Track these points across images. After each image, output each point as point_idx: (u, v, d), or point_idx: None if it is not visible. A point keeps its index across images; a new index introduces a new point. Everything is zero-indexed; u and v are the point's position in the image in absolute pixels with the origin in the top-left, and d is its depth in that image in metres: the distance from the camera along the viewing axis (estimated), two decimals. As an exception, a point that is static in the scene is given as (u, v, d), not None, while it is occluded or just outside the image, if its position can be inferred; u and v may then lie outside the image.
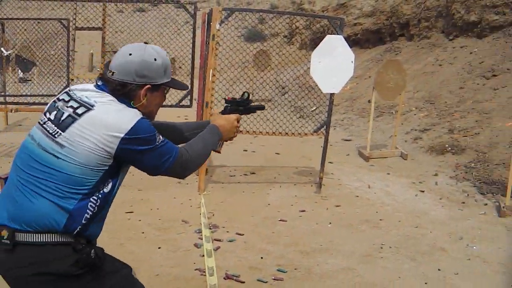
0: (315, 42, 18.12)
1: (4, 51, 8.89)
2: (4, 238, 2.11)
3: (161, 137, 2.25)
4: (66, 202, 2.12)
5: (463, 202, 6.49)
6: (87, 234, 2.19)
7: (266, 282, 4.23)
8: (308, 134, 7.08)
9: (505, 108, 8.70)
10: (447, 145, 8.30)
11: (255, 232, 5.34)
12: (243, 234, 5.24)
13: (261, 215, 5.87)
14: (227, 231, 5.32)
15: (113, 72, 2.26)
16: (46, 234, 2.12)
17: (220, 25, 6.34)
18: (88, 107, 2.18)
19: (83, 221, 2.16)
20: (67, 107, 2.24)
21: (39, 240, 2.12)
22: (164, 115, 8.15)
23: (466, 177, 7.21)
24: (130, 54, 2.27)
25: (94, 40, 20.39)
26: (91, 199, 2.17)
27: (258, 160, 8.50)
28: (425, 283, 4.31)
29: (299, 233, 5.37)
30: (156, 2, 7.61)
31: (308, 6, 28.02)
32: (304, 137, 7.31)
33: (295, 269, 4.51)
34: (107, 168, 2.17)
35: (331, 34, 6.76)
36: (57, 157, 2.13)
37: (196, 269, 4.42)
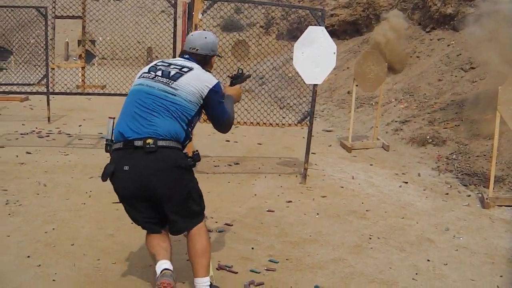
0: (292, 32, 18.17)
1: None
2: (151, 144, 3.30)
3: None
4: (183, 124, 3.44)
5: (447, 194, 6.57)
6: (185, 146, 3.49)
7: (259, 273, 4.22)
8: (292, 125, 7.08)
9: (482, 101, 8.82)
10: (428, 137, 8.40)
11: (243, 223, 5.33)
12: (232, 225, 5.23)
13: (248, 205, 5.86)
14: (216, 222, 5.30)
15: (197, 49, 3.71)
16: (174, 142, 3.39)
17: (203, 15, 6.29)
18: (190, 68, 3.58)
19: (188, 138, 3.50)
20: (171, 68, 3.58)
21: (172, 145, 3.37)
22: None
23: (448, 168, 7.30)
24: (205, 38, 3.77)
25: (69, 29, 20.12)
26: (191, 124, 3.53)
27: (240, 150, 8.49)
28: (416, 274, 4.35)
29: (288, 224, 5.37)
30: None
31: (284, -4, 28.05)
32: (286, 128, 7.33)
33: (286, 259, 4.50)
34: (199, 106, 3.53)
35: (308, 25, 6.78)
36: (174, 95, 3.44)
37: (188, 260, 4.40)
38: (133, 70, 8.60)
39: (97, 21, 16.60)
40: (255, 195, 6.25)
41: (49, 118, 10.42)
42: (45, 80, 9.71)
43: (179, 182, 3.41)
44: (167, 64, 3.62)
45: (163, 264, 3.53)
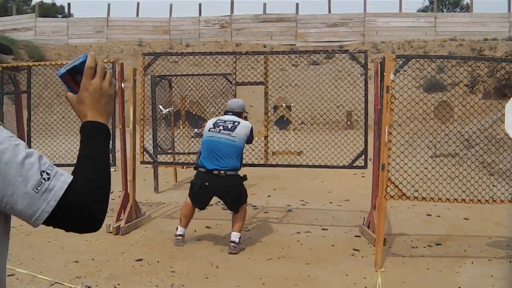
0: (500, 90, 16.53)
1: (163, 110, 8.72)
2: (222, 173, 6.13)
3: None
4: (238, 159, 6.31)
5: None
6: (240, 168, 6.38)
7: None
8: (505, 201, 5.90)
9: None
10: None
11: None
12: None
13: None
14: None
15: (234, 109, 6.51)
16: (234, 171, 6.26)
17: (395, 75, 5.50)
18: (239, 122, 6.39)
19: (241, 164, 6.40)
20: (228, 122, 6.37)
21: (233, 174, 6.24)
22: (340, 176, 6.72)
23: None
24: (238, 102, 6.65)
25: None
26: (242, 155, 6.44)
27: (444, 227, 7.37)
28: None
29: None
30: (324, 52, 6.94)
31: (489, 52, 26.05)
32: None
33: None
34: (245, 141, 6.41)
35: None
36: (234, 141, 6.23)
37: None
38: (331, 136, 7.95)
39: (293, 86, 16.57)
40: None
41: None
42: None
43: (235, 190, 6.33)
44: (223, 121, 6.42)
45: (180, 231, 6.54)
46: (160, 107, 8.42)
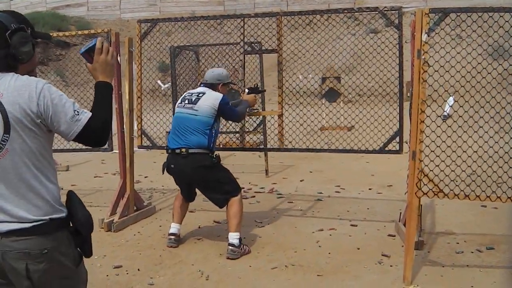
0: None
1: (162, 85, 7.65)
2: (183, 151, 5.19)
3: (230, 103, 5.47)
4: (205, 136, 5.21)
5: None
6: (212, 149, 5.31)
7: None
8: None
9: None
10: None
11: None
12: None
13: None
14: None
15: (206, 80, 5.54)
16: (201, 149, 5.21)
17: (428, 35, 4.19)
18: (204, 92, 5.39)
19: (211, 143, 5.28)
20: (193, 95, 5.41)
21: (198, 151, 5.20)
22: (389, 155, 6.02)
23: None
24: (212, 72, 5.61)
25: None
26: (212, 132, 5.28)
27: (500, 223, 6.00)
28: None
29: None
30: (349, 11, 5.63)
31: None
32: None
33: None
34: (214, 116, 5.28)
35: None
36: (196, 115, 5.26)
37: None
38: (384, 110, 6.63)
39: (344, 57, 15.11)
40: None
41: (267, 170, 9.04)
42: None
43: (207, 175, 5.26)
44: (190, 94, 5.50)
45: (172, 229, 5.59)
46: (159, 82, 7.35)
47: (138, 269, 4.91)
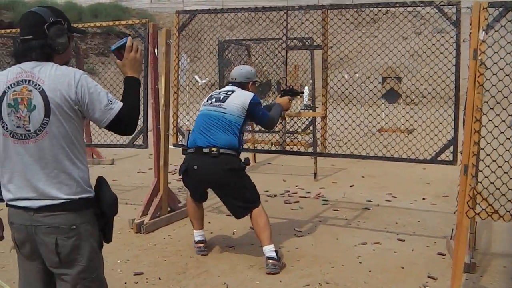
0: None
1: (199, 80, 7.29)
2: (214, 150, 4.72)
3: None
4: (236, 135, 4.82)
5: None
6: (240, 151, 4.97)
7: None
8: None
9: None
10: None
11: None
12: None
13: None
14: None
15: (234, 78, 5.13)
16: (230, 150, 4.78)
17: (487, 32, 3.66)
18: (233, 91, 4.99)
19: (241, 145, 4.99)
20: (222, 93, 5.02)
21: (228, 152, 4.76)
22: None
23: None
24: (241, 69, 5.21)
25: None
26: (241, 133, 4.97)
27: None
28: None
29: None
30: (401, 5, 5.08)
31: None
32: None
33: None
34: (244, 117, 4.87)
35: None
36: (224, 113, 4.82)
37: None
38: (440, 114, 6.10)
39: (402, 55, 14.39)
40: None
41: (315, 173, 8.57)
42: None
43: (233, 179, 4.82)
44: (218, 92, 5.14)
45: (197, 237, 5.21)
46: (196, 77, 7.00)
47: (159, 278, 4.57)
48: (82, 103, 2.49)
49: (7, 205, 2.56)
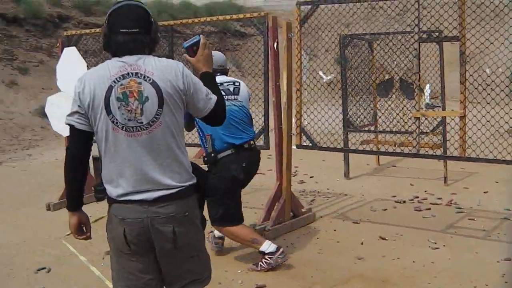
0: None
1: (324, 76, 6.86)
2: (252, 144, 4.68)
3: None
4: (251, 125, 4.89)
5: None
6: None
7: None
8: None
9: None
10: None
11: None
12: None
13: None
14: None
15: (223, 66, 4.89)
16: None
17: None
18: (238, 81, 4.81)
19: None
20: (228, 85, 4.68)
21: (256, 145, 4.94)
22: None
23: None
24: (220, 54, 4.93)
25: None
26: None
27: None
28: None
29: None
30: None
31: None
32: None
33: None
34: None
35: None
36: (241, 107, 4.67)
37: None
38: None
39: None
40: None
41: (445, 178, 7.93)
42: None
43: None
44: (220, 84, 3.65)
45: (271, 246, 4.66)
46: (320, 73, 6.60)
47: (283, 293, 4.26)
48: (189, 92, 2.57)
49: (115, 201, 2.55)
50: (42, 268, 4.92)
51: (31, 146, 13.03)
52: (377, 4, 5.38)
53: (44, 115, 6.06)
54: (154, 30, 2.61)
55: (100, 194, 2.60)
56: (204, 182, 2.79)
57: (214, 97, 2.67)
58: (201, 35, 2.79)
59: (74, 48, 6.31)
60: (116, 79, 2.48)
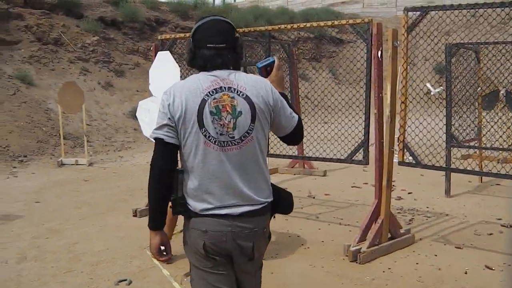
0: None
1: (432, 89, 6.36)
2: None
3: None
4: None
5: None
6: None
7: None
8: None
9: None
10: None
11: None
12: None
13: None
14: None
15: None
16: None
17: None
18: None
19: None
20: None
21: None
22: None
23: None
24: None
25: None
26: None
27: None
28: None
29: None
30: None
31: None
32: None
33: None
34: None
35: None
36: None
37: None
38: None
39: None
40: None
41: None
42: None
43: None
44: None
45: None
46: (428, 85, 6.11)
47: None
48: (276, 108, 2.57)
49: (196, 215, 2.49)
50: (123, 280, 4.73)
51: (123, 148, 13.12)
52: (477, 11, 4.88)
53: (137, 117, 5.89)
54: (239, 46, 2.58)
55: (181, 208, 2.53)
56: (281, 197, 2.70)
57: (296, 116, 2.66)
58: (275, 56, 2.84)
59: (167, 52, 6.14)
60: (209, 92, 2.45)
